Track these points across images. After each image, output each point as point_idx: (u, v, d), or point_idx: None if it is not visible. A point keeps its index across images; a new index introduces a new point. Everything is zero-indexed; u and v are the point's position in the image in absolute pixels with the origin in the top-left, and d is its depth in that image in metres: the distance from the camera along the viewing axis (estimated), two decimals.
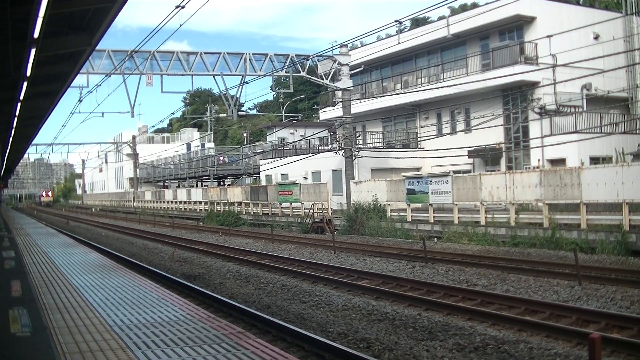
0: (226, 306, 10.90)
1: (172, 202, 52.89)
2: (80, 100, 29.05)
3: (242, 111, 49.08)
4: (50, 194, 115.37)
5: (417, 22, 49.92)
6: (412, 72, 36.17)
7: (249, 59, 27.51)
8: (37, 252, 16.03)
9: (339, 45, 31.00)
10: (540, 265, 14.51)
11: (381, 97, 36.65)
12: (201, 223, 37.92)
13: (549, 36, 27.14)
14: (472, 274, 13.94)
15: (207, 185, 54.21)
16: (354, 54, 33.11)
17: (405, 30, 40.11)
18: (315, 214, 28.05)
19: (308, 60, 29.15)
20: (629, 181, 16.79)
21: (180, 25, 16.54)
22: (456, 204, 22.44)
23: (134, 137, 65.42)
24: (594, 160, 25.56)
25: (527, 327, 9.01)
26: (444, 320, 9.59)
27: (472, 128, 30.84)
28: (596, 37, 29.95)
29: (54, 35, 11.06)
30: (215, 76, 27.36)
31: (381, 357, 7.82)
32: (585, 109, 28.85)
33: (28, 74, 11.79)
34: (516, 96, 29.77)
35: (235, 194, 39.65)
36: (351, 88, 31.04)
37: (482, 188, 21.39)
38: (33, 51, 10.19)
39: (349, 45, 33.25)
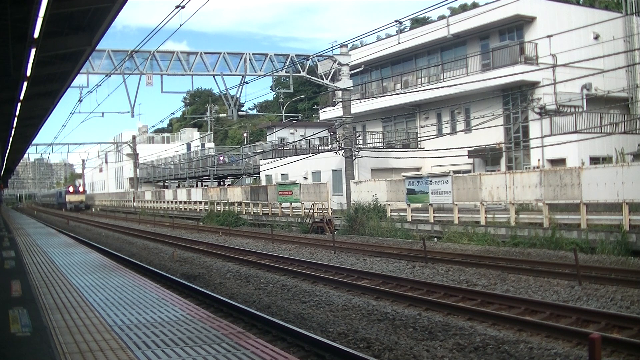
0: (226, 306, 10.90)
1: (172, 202, 52.88)
2: (80, 100, 29.09)
3: (242, 111, 49.06)
4: (81, 189, 79.89)
5: (417, 22, 49.92)
6: (412, 72, 36.17)
7: (249, 59, 27.51)
8: (37, 252, 16.02)
9: (339, 45, 30.99)
10: (540, 265, 14.50)
11: (381, 97, 36.65)
12: (201, 223, 37.92)
13: (549, 36, 27.14)
14: (472, 274, 13.94)
15: (207, 185, 54.20)
16: (354, 54, 33.11)
17: (405, 30, 40.11)
18: (315, 214, 28.04)
19: (308, 60, 29.15)
20: (629, 181, 16.78)
21: (180, 25, 16.58)
22: (456, 204, 22.43)
23: (134, 137, 65.41)
24: (594, 160, 25.56)
25: (527, 327, 9.01)
26: (444, 320, 9.59)
27: (472, 128, 30.84)
28: (596, 37, 29.96)
29: (54, 35, 11.07)
30: (215, 76, 27.36)
31: (381, 357, 7.82)
32: (585, 109, 28.85)
33: (28, 74, 11.81)
34: (516, 96, 29.77)
35: (235, 194, 39.65)
36: (351, 88, 31.04)
37: (482, 188, 21.39)
38: (33, 51, 10.20)
39: (349, 45, 33.26)
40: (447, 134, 32.65)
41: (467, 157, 30.28)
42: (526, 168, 27.88)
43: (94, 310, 7.78)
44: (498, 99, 29.95)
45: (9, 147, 30.01)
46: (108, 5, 9.93)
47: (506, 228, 19.87)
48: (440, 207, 24.66)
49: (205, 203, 43.85)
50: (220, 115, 77.51)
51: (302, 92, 66.98)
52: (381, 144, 37.27)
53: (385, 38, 38.55)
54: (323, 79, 30.15)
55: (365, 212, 25.56)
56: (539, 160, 27.83)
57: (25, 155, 74.24)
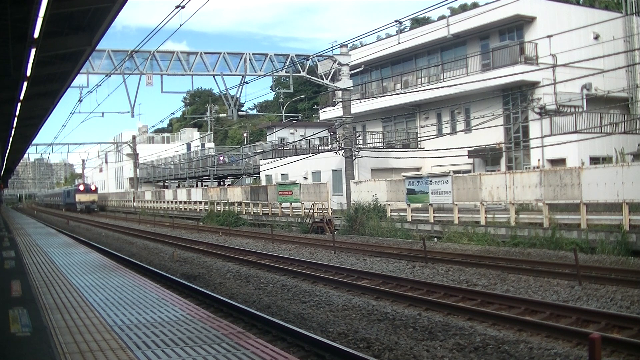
0: (226, 306, 10.90)
1: (172, 202, 52.88)
2: (80, 100, 29.09)
3: (242, 111, 49.06)
4: (92, 187, 68.95)
5: (417, 22, 49.92)
6: (412, 72, 36.17)
7: (249, 59, 27.51)
8: (37, 252, 16.02)
9: (339, 45, 30.99)
10: (540, 265, 14.50)
11: (381, 97, 36.65)
12: (201, 223, 37.92)
13: (549, 36, 27.14)
14: (472, 274, 13.94)
15: (207, 185, 54.20)
16: (354, 54, 33.10)
17: (406, 30, 40.11)
18: (315, 214, 28.04)
19: (308, 60, 29.14)
20: (629, 181, 16.78)
21: (180, 25, 16.57)
22: (456, 204, 22.43)
23: (134, 137, 65.38)
24: (594, 160, 25.55)
25: (527, 327, 9.01)
26: (444, 320, 9.59)
27: (472, 128, 30.84)
28: (596, 37, 29.96)
29: (54, 35, 11.07)
30: (215, 76, 27.36)
31: (381, 357, 7.82)
32: (585, 109, 28.85)
33: (28, 74, 11.81)
34: (516, 96, 29.77)
35: (235, 194, 39.65)
36: (351, 88, 31.03)
37: (482, 188, 21.39)
38: (33, 51, 10.20)
39: (349, 45, 33.25)
40: (447, 134, 32.64)
41: (467, 157, 30.27)
42: (526, 168, 27.88)
43: (94, 310, 7.78)
44: (498, 99, 29.95)
45: (9, 147, 30.02)
46: (108, 5, 9.93)
47: (506, 228, 19.87)
48: (440, 207, 24.66)
49: (205, 203, 43.85)
50: (220, 115, 77.51)
51: (302, 92, 66.98)
52: (381, 144, 37.27)
53: (385, 38, 38.56)
54: (323, 79, 30.15)
55: (365, 212, 25.56)
56: (539, 160, 27.82)
57: (25, 155, 74.33)
